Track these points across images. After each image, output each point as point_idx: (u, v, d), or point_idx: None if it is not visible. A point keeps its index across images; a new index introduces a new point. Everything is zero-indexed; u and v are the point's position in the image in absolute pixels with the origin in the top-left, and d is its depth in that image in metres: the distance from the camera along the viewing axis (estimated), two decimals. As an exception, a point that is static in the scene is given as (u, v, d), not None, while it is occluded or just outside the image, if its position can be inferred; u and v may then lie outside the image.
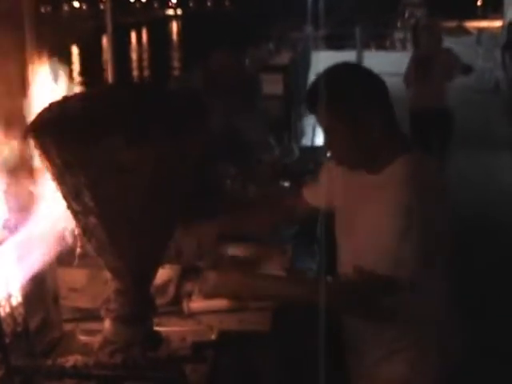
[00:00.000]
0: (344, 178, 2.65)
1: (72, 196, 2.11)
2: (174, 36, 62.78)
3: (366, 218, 2.46)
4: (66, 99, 2.16)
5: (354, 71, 2.57)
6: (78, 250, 2.35)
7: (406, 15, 31.81)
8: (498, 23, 19.43)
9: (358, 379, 2.74)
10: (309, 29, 23.39)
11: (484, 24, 22.68)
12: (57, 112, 2.12)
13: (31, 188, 2.25)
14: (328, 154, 2.71)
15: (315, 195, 2.95)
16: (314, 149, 6.78)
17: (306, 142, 9.88)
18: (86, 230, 2.19)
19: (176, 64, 34.40)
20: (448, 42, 22.39)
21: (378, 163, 2.49)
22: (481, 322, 4.93)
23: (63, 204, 2.16)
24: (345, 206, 2.67)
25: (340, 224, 2.71)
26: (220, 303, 2.77)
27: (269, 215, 3.18)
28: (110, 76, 4.18)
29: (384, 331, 2.57)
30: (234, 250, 3.25)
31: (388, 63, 21.36)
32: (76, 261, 2.42)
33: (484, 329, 4.89)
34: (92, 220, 2.12)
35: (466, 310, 2.75)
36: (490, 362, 4.67)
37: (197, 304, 2.79)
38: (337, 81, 2.46)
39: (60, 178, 2.09)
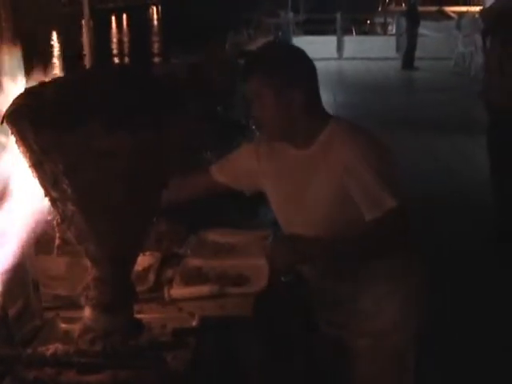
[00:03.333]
0: (272, 156, 2.80)
1: (50, 183, 2.09)
2: (155, 22, 62.49)
3: (321, 189, 2.62)
4: (43, 85, 2.13)
5: (286, 49, 2.83)
6: (57, 237, 2.34)
7: (387, 0, 31.90)
8: (478, 8, 19.47)
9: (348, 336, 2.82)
10: (289, 14, 23.38)
11: (464, 9, 22.74)
12: (34, 98, 2.09)
13: (8, 175, 2.22)
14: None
15: (227, 173, 3.01)
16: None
17: None
18: (64, 218, 2.17)
19: (157, 49, 34.25)
20: (428, 27, 22.56)
21: (305, 138, 2.66)
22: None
23: (41, 191, 2.14)
24: (283, 184, 2.78)
25: (284, 202, 2.80)
26: (201, 289, 2.77)
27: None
28: (87, 61, 4.14)
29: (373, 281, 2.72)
30: (214, 236, 3.24)
31: (369, 48, 21.47)
32: (55, 249, 2.40)
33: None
34: (70, 207, 2.10)
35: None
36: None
37: (177, 291, 2.78)
38: (268, 54, 2.74)
39: (37, 165, 2.07)
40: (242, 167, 2.96)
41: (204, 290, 2.77)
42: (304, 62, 2.69)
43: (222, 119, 4.85)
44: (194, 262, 3.03)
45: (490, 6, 6.94)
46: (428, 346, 3.09)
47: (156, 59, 27.70)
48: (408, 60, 19.39)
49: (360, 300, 2.74)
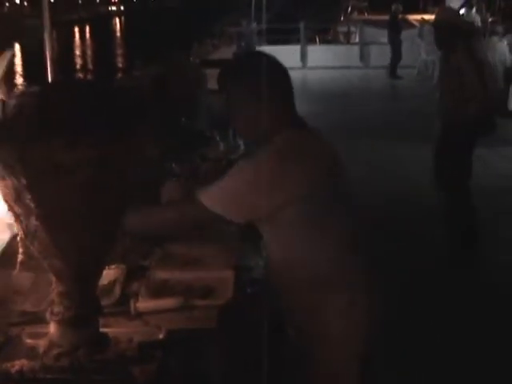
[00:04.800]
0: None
1: (13, 198, 2.08)
2: (118, 33, 62.31)
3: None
4: (2, 101, 2.13)
5: (259, 57, 2.83)
6: (21, 253, 2.33)
7: (349, 9, 32.09)
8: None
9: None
10: (252, 24, 23.42)
11: (426, 17, 22.92)
12: (-5, 113, 2.08)
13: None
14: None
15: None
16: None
17: None
18: (28, 233, 2.16)
19: (120, 61, 34.14)
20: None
21: (268, 138, 2.68)
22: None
23: (4, 206, 2.13)
24: None
25: None
26: (167, 302, 2.76)
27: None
28: (49, 74, 4.10)
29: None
30: (180, 249, 3.23)
31: (332, 57, 21.57)
32: (19, 264, 2.39)
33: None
34: (33, 222, 2.10)
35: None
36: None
37: (144, 304, 2.77)
38: (243, 63, 2.89)
39: (1, 180, 2.06)
40: None
41: (170, 302, 2.76)
42: (277, 70, 2.77)
43: (185, 130, 4.84)
44: (160, 274, 3.02)
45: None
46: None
47: (119, 71, 27.60)
48: (393, 69, 19.53)
49: (308, 319, 2.76)
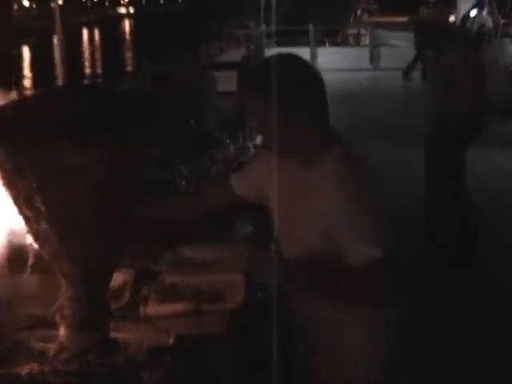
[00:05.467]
0: (277, 169, 2.64)
1: (23, 201, 2.08)
2: (127, 35, 62.42)
3: (313, 212, 2.50)
4: (14, 103, 2.13)
5: (293, 61, 2.59)
6: (31, 256, 2.33)
7: (359, 11, 32.01)
8: (451, 18, 19.58)
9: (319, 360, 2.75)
10: (261, 25, 23.41)
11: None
12: (6, 116, 2.09)
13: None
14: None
15: (243, 184, 2.92)
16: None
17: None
18: (38, 236, 2.17)
19: (128, 63, 34.19)
20: (400, 38, 22.63)
21: (311, 157, 2.53)
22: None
23: (14, 210, 2.14)
24: (278, 197, 2.67)
25: (280, 216, 2.71)
26: (176, 307, 2.76)
27: (199, 205, 3.09)
28: (60, 77, 4.12)
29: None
30: (189, 252, 3.22)
31: (342, 59, 21.54)
32: (28, 267, 2.39)
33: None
34: (44, 225, 2.10)
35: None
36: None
37: (153, 308, 2.76)
38: (279, 67, 2.49)
39: (11, 183, 2.07)
40: (255, 177, 2.84)
41: (180, 307, 2.76)
42: (313, 79, 2.54)
43: (194, 132, 4.84)
44: (170, 278, 3.01)
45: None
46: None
47: (127, 73, 27.63)
48: (409, 70, 19.40)
49: (328, 331, 2.67)
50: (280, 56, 2.57)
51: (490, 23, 18.63)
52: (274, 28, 24.26)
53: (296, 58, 2.61)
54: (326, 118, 2.56)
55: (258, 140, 7.49)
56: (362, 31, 26.95)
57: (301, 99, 2.47)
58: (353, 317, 2.60)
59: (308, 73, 2.54)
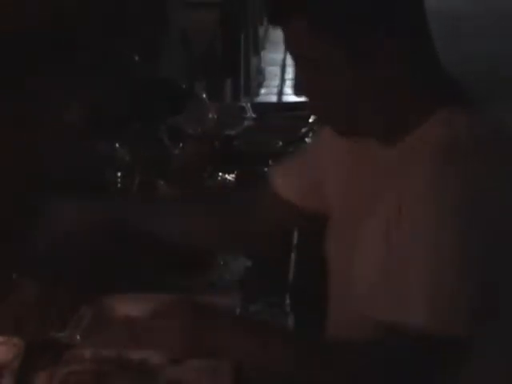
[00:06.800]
0: (347, 158, 1.96)
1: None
2: None
3: (381, 220, 1.75)
4: None
5: None
6: None
7: None
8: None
9: None
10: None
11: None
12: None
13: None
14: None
15: (295, 183, 2.14)
16: (281, 107, 4.94)
17: (267, 95, 8.17)
18: None
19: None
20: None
21: (399, 128, 1.76)
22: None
23: None
24: (349, 198, 1.95)
25: (341, 227, 1.98)
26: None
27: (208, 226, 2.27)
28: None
29: None
30: (123, 306, 2.17)
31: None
32: None
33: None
34: None
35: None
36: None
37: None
38: None
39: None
40: (309, 175, 2.13)
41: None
42: None
43: (142, 80, 3.44)
44: (90, 357, 1.97)
45: None
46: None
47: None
48: None
49: None
50: None
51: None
52: None
53: None
54: (429, 53, 1.79)
55: (262, 95, 6.23)
56: None
57: (384, 20, 1.67)
58: None
59: None
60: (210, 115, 3.40)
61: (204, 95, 3.43)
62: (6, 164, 1.99)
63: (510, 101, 6.63)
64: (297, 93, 1.88)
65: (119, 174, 2.49)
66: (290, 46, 1.77)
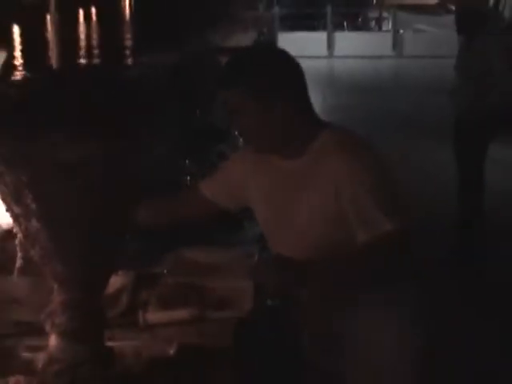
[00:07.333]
0: (260, 168, 2.75)
1: (12, 197, 2.08)
2: (126, 13, 62.34)
3: (311, 206, 2.59)
4: (5, 87, 2.12)
5: (267, 53, 2.77)
6: (19, 257, 2.32)
7: (381, -8, 31.93)
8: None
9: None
10: (274, 7, 23.38)
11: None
12: (-6, 102, 2.09)
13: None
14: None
15: (218, 189, 2.94)
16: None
17: None
18: (28, 235, 2.15)
19: (128, 47, 34.17)
20: (427, 22, 22.57)
21: (296, 147, 2.62)
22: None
23: (3, 206, 2.13)
24: (271, 198, 2.74)
25: (271, 218, 2.76)
26: (179, 314, 2.75)
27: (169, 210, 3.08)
28: (53, 60, 4.09)
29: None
30: (194, 254, 3.22)
31: (362, 45, 21.50)
32: (17, 269, 2.38)
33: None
34: (35, 224, 2.09)
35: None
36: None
37: (153, 315, 2.75)
38: (250, 60, 2.66)
39: (-2, 177, 2.06)
40: (230, 181, 2.90)
41: (182, 314, 2.75)
42: (289, 67, 2.64)
43: (201, 124, 4.83)
44: (172, 282, 3.00)
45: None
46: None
47: (128, 58, 27.61)
48: None
49: (353, 330, 2.67)
50: (254, 48, 2.86)
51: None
52: (286, 10, 24.22)
53: (273, 49, 2.84)
54: (306, 105, 2.65)
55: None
56: (384, 14, 26.91)
57: (284, 93, 2.56)
58: (369, 307, 2.62)
59: (287, 62, 2.64)
60: (239, 144, 4.73)
61: (236, 133, 4.78)
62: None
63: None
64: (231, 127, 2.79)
65: (188, 179, 3.77)
66: (228, 101, 2.60)
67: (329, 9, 22.43)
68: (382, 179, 2.54)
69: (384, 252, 2.46)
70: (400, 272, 2.55)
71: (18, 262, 2.46)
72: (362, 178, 2.50)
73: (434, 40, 20.65)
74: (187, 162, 3.95)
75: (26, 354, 2.43)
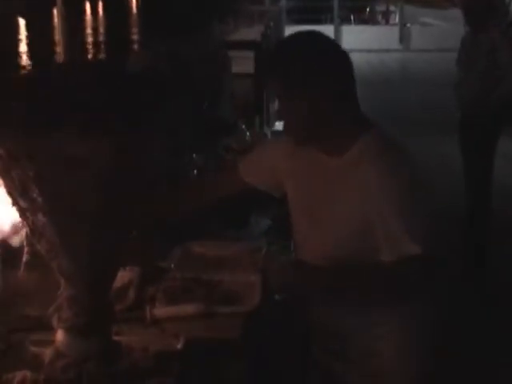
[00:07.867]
0: (300, 160, 2.68)
1: (18, 192, 2.07)
2: (133, 7, 62.36)
3: (343, 206, 2.52)
4: (9, 83, 2.11)
5: (314, 40, 2.62)
6: (26, 252, 2.31)
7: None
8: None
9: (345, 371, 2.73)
10: (282, 1, 23.36)
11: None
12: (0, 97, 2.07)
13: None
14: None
15: (255, 172, 2.88)
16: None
17: (280, 126, 9.68)
18: (34, 230, 2.15)
19: (136, 40, 34.16)
20: (434, 16, 22.55)
21: (338, 144, 2.55)
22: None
23: (8, 201, 2.12)
24: (305, 191, 2.68)
25: (301, 211, 2.71)
26: (186, 308, 2.75)
27: (200, 192, 3.07)
28: (61, 55, 4.09)
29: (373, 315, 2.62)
30: (201, 249, 3.22)
31: (369, 38, 21.49)
32: (24, 264, 2.37)
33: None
34: (41, 218, 2.08)
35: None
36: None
37: (161, 310, 2.75)
38: (293, 48, 2.55)
39: (5, 172, 2.05)
40: (267, 165, 2.83)
41: (190, 309, 2.74)
42: (336, 56, 2.55)
43: (207, 118, 4.82)
44: (179, 277, 2.99)
45: None
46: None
47: (135, 51, 27.59)
48: None
49: (360, 334, 2.66)
50: (300, 35, 2.60)
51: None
52: (293, 3, 24.21)
53: (319, 37, 2.61)
54: (353, 102, 2.57)
55: (277, 126, 7.52)
56: (392, 8, 26.89)
57: (325, 84, 2.47)
58: (383, 318, 2.61)
59: (332, 53, 2.55)
60: (246, 138, 4.73)
61: (243, 126, 4.78)
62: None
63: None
64: (278, 118, 2.78)
65: (195, 172, 3.77)
66: (273, 90, 2.59)
67: (336, 2, 22.41)
68: (415, 202, 2.49)
69: (408, 276, 2.46)
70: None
71: (25, 257, 2.45)
72: (396, 199, 2.45)
73: (441, 33, 20.61)
74: (194, 155, 3.93)
75: (32, 349, 2.42)
